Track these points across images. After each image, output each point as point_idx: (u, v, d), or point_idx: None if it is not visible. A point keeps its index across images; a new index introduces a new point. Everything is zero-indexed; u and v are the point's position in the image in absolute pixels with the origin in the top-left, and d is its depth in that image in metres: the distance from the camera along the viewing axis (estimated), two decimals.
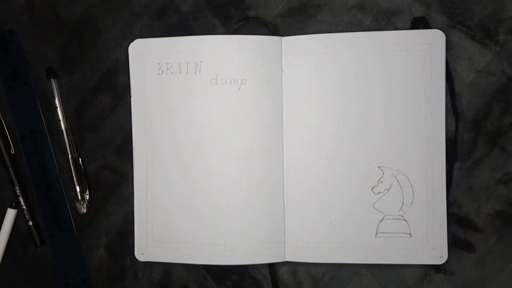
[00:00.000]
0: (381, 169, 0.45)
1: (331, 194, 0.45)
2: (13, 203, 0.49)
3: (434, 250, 0.44)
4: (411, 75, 0.45)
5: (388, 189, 0.45)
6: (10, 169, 0.49)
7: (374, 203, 0.45)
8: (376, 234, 0.45)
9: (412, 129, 0.45)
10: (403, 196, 0.45)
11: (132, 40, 0.48)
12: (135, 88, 0.47)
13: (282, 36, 0.46)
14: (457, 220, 0.46)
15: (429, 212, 0.45)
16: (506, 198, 0.45)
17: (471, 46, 0.45)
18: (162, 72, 0.47)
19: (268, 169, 0.46)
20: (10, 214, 0.49)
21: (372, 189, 0.45)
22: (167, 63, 0.47)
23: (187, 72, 0.46)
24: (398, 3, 0.46)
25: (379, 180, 0.45)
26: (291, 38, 0.46)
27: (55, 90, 0.49)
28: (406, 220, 0.45)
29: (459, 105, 0.46)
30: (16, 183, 0.49)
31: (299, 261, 0.46)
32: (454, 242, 0.46)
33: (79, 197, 0.48)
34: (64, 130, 0.49)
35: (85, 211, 0.49)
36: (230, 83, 0.46)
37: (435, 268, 0.46)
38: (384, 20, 0.46)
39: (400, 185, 0.45)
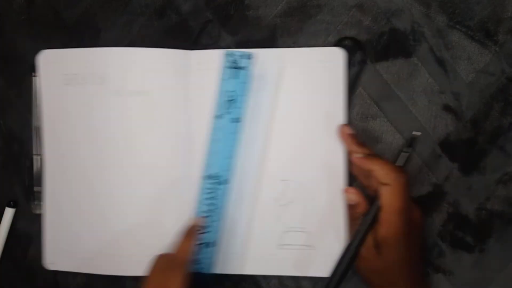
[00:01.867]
0: (285, 182, 0.45)
1: (232, 205, 0.45)
2: (11, 202, 0.50)
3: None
4: (311, 91, 0.45)
5: (291, 202, 0.45)
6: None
7: (279, 216, 0.45)
8: (279, 245, 0.45)
9: (312, 143, 0.45)
10: (305, 208, 0.45)
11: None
12: (43, 98, 0.47)
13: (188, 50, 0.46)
14: (456, 220, 0.46)
15: (330, 225, 0.45)
16: (506, 198, 0.45)
17: (470, 46, 0.45)
18: (68, 83, 0.47)
19: (175, 182, 0.45)
20: (9, 213, 0.49)
21: (276, 201, 0.45)
22: (73, 74, 0.47)
23: (92, 83, 0.46)
24: (398, 3, 0.46)
25: (282, 193, 0.45)
26: (200, 52, 0.46)
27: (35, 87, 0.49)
28: (308, 233, 0.45)
29: (458, 104, 0.46)
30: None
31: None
32: (453, 243, 0.46)
33: (35, 198, 0.49)
34: (34, 128, 0.49)
35: (38, 211, 0.49)
36: (136, 95, 0.46)
37: (434, 268, 0.46)
38: (383, 20, 0.46)
39: (302, 198, 0.45)
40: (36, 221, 0.49)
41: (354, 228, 0.42)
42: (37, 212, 0.49)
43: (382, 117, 0.46)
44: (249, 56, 0.43)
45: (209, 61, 0.46)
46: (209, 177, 0.43)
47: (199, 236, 0.41)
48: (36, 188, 0.49)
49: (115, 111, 0.46)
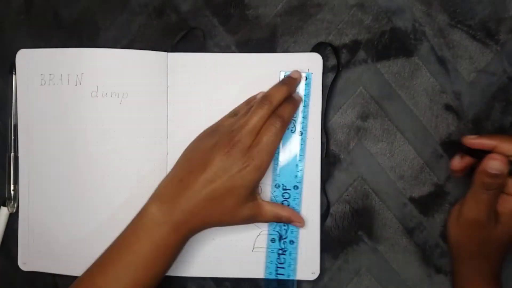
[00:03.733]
0: (260, 186, 0.45)
1: None
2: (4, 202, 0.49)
3: (306, 266, 0.45)
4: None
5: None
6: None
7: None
8: (253, 249, 0.45)
9: (288, 148, 0.45)
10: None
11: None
12: (19, 97, 0.47)
13: (168, 52, 0.46)
14: None
15: (302, 230, 0.45)
16: None
17: (471, 45, 0.45)
18: (45, 83, 0.46)
19: (150, 184, 0.44)
20: (3, 212, 0.49)
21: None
22: (50, 74, 0.46)
23: (68, 84, 0.46)
24: (398, 2, 0.45)
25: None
26: (177, 54, 0.46)
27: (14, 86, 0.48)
28: (281, 237, 0.45)
29: (460, 104, 0.45)
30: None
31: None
32: None
33: (12, 196, 0.48)
34: (13, 126, 0.48)
35: (14, 210, 0.48)
36: (111, 96, 0.46)
37: (436, 268, 0.46)
38: (384, 19, 0.46)
39: (275, 201, 0.45)
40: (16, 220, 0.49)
41: (482, 197, 0.39)
42: (13, 211, 0.48)
43: (383, 117, 0.46)
44: (306, 76, 0.45)
45: (186, 65, 0.46)
46: (278, 185, 0.45)
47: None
48: (13, 187, 0.48)
49: (90, 112, 0.46)
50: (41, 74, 0.47)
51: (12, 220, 0.49)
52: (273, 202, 0.45)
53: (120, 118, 0.46)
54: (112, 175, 0.46)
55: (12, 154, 0.48)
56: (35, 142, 0.47)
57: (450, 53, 0.45)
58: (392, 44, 0.46)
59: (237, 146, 0.39)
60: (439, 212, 0.46)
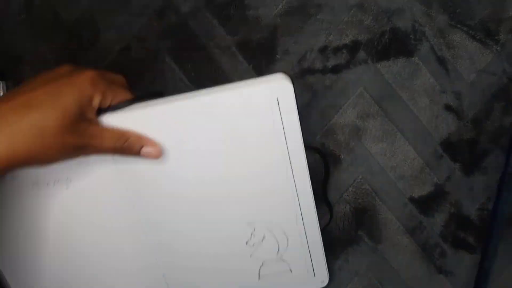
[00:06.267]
0: (251, 224, 0.43)
1: (205, 256, 0.44)
2: None
3: (315, 277, 0.45)
4: (262, 129, 0.39)
5: (262, 240, 0.44)
6: None
7: (251, 254, 0.45)
8: (259, 277, 0.45)
9: (274, 181, 0.42)
10: (278, 242, 0.44)
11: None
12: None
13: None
14: (458, 221, 0.46)
15: (305, 249, 0.44)
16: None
17: (471, 45, 0.45)
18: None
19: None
20: None
21: (246, 243, 0.44)
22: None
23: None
24: (398, 2, 0.45)
25: (251, 234, 0.44)
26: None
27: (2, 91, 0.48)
28: (285, 260, 0.45)
29: (460, 104, 0.45)
30: None
31: None
32: (455, 243, 0.46)
33: None
34: None
35: None
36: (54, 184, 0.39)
37: (436, 268, 0.46)
38: (384, 20, 0.46)
39: (273, 234, 0.44)
40: None
41: None
42: None
43: (383, 117, 0.46)
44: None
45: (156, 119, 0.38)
46: None
47: None
48: None
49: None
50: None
51: None
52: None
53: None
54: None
55: None
56: None
57: (450, 53, 0.45)
58: (392, 45, 0.46)
59: None
60: (439, 212, 0.46)
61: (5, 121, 0.29)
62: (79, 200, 0.40)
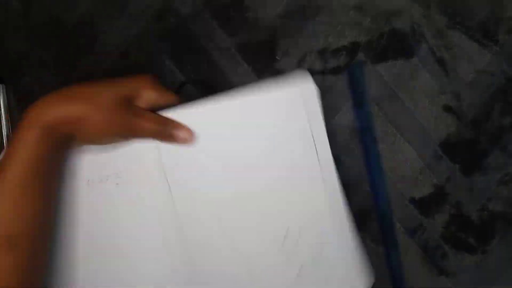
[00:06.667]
0: (287, 227, 0.43)
1: (241, 264, 0.44)
2: None
3: (359, 276, 0.43)
4: (290, 130, 0.41)
5: (297, 242, 0.44)
6: None
7: (288, 257, 0.44)
8: (297, 278, 0.45)
9: (305, 183, 0.42)
10: (313, 245, 0.44)
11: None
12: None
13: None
14: (458, 221, 0.46)
15: (343, 250, 0.43)
16: (507, 198, 0.45)
17: (470, 46, 0.45)
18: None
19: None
20: None
21: (283, 246, 0.44)
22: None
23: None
24: (397, 3, 0.46)
25: (285, 237, 0.44)
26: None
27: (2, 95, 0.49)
28: (323, 263, 0.44)
29: (459, 105, 0.45)
30: None
31: None
32: (456, 244, 0.45)
33: None
34: (5, 136, 0.48)
35: None
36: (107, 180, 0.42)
37: (438, 270, 0.46)
38: (383, 21, 0.46)
39: (308, 235, 0.44)
40: None
41: None
42: None
43: (383, 118, 0.46)
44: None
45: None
46: None
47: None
48: None
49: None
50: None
51: None
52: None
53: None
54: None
55: None
56: None
57: (449, 54, 0.45)
58: (391, 46, 0.46)
59: None
60: (439, 213, 0.46)
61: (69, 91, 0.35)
62: (126, 195, 0.42)
